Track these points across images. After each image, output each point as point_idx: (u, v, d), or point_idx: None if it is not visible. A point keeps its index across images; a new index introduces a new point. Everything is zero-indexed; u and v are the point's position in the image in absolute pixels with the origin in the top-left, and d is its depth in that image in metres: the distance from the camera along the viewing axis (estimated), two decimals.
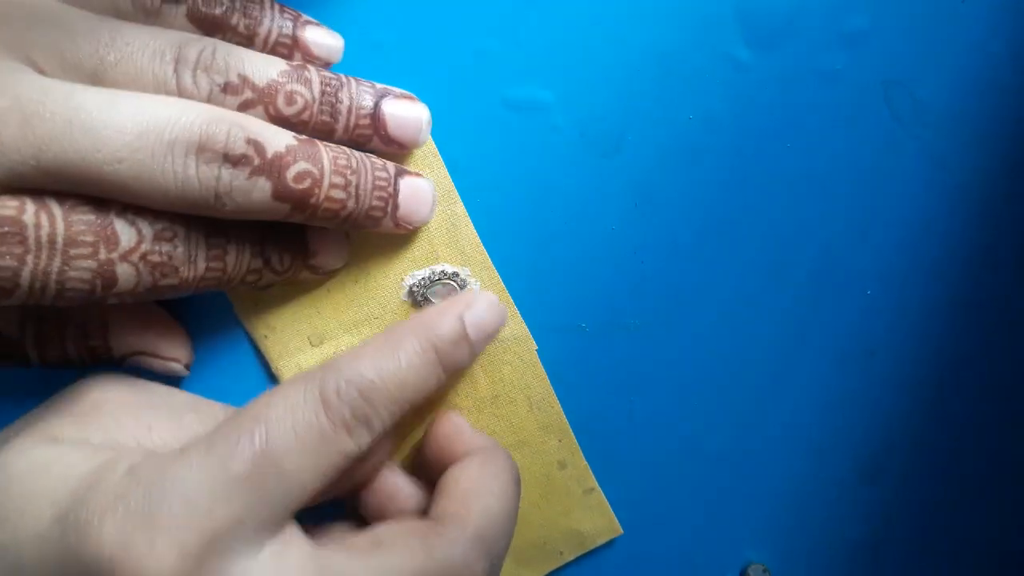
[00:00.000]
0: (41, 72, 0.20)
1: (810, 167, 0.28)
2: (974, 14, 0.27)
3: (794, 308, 0.29)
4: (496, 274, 0.27)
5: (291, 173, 0.22)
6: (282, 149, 0.22)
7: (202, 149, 0.20)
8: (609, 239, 0.27)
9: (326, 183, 0.22)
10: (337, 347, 0.26)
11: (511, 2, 0.26)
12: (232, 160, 0.21)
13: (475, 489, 0.23)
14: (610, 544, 0.29)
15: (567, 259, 0.27)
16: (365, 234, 0.26)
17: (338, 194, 0.23)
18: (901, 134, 0.28)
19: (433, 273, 0.26)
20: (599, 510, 0.28)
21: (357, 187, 0.23)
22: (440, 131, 0.26)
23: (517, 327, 0.27)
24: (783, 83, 0.27)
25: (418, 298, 0.26)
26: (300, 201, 0.22)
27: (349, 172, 0.23)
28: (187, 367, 0.25)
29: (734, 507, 0.29)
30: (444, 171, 0.26)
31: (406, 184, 0.25)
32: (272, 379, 0.27)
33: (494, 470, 0.24)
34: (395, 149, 0.25)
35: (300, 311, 0.26)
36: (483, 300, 0.25)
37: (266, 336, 0.26)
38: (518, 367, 0.27)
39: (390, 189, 0.24)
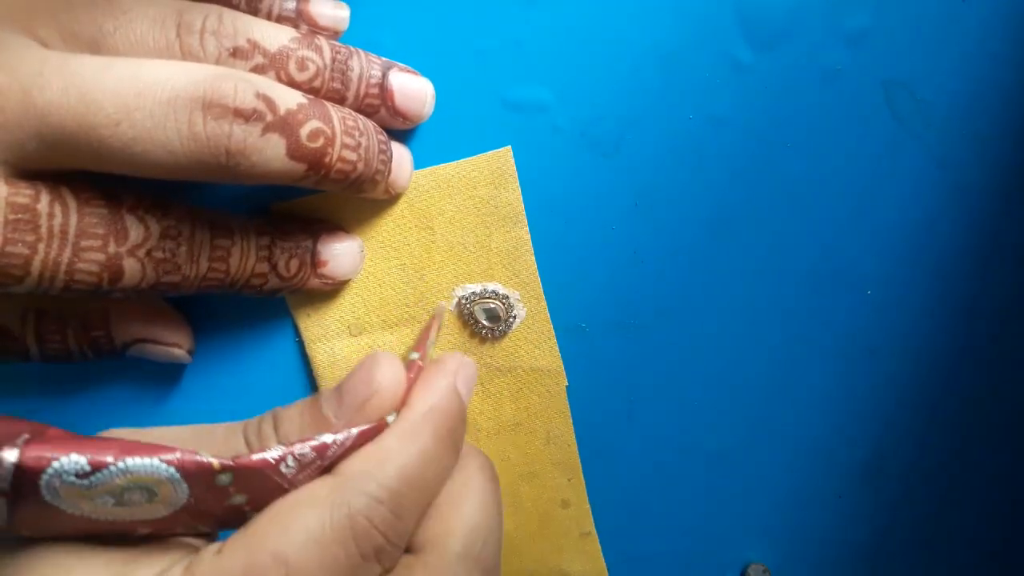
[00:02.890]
0: (43, 44, 0.20)
1: (811, 167, 0.28)
2: (975, 14, 0.27)
3: (795, 308, 0.29)
4: (544, 304, 0.27)
5: (305, 131, 0.21)
6: (294, 106, 0.21)
7: (209, 105, 0.20)
8: (609, 239, 0.27)
9: (339, 143, 0.22)
10: (374, 341, 0.27)
11: (511, 2, 0.26)
12: (243, 115, 0.20)
13: (451, 500, 0.22)
14: (610, 544, 0.29)
15: (567, 259, 0.27)
16: (428, 240, 0.26)
17: (350, 155, 0.22)
18: (902, 134, 0.28)
19: (484, 290, 0.27)
20: (591, 555, 0.28)
21: (367, 149, 0.23)
22: (440, 131, 0.26)
23: (553, 361, 0.27)
24: (784, 83, 0.27)
25: (464, 311, 0.26)
26: (315, 161, 0.22)
27: (357, 133, 0.23)
28: (190, 353, 0.25)
29: (734, 507, 0.29)
30: (518, 193, 0.26)
31: (397, 150, 0.25)
32: (305, 362, 0.27)
33: (468, 473, 0.23)
34: (399, 122, 0.25)
35: (345, 299, 0.26)
36: (468, 363, 0.24)
37: (308, 315, 0.26)
38: (545, 399, 0.27)
39: (389, 153, 0.24)
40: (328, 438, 0.20)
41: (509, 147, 0.26)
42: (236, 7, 0.23)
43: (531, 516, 0.28)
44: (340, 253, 0.25)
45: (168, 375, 0.27)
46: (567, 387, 0.28)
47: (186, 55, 0.21)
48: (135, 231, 0.21)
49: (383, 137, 0.24)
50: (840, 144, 0.28)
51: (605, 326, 0.28)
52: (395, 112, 0.24)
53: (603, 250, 0.28)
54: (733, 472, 0.29)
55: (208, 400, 0.27)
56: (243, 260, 0.23)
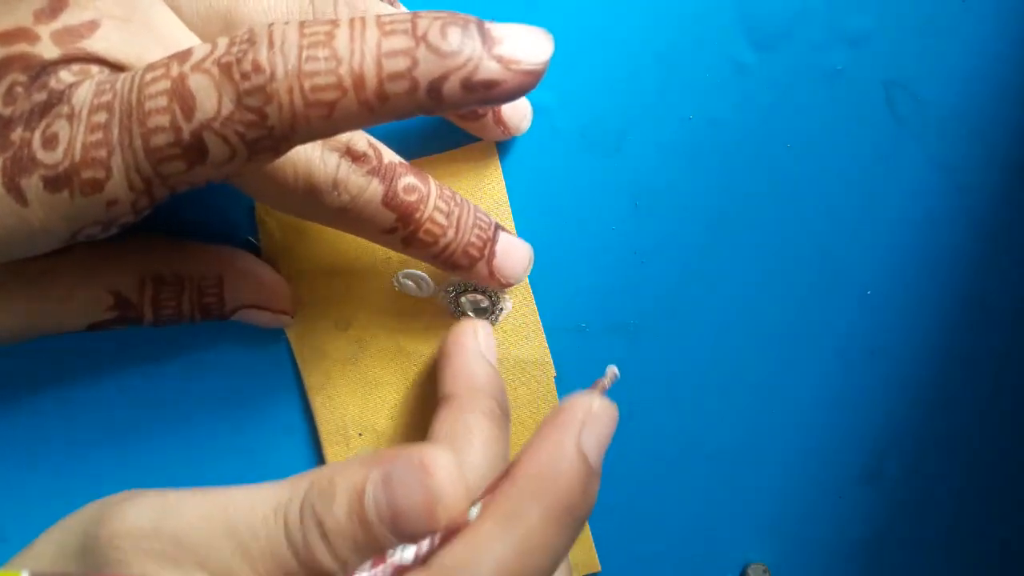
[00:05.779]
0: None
1: (811, 167, 0.28)
2: (976, 14, 0.27)
3: (794, 308, 0.29)
4: (531, 296, 0.27)
5: (401, 183, 0.23)
6: (396, 160, 0.23)
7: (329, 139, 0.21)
8: (609, 239, 0.27)
9: (431, 203, 0.23)
10: (361, 335, 0.27)
11: (511, 3, 0.26)
12: (353, 155, 0.22)
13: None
14: (611, 544, 0.29)
15: (567, 259, 0.27)
16: None
17: (440, 219, 0.23)
18: (902, 134, 0.28)
19: (471, 282, 0.27)
20: (582, 544, 0.28)
21: (459, 219, 0.24)
22: (440, 130, 0.26)
23: (540, 352, 0.27)
24: (784, 83, 0.27)
25: (451, 304, 0.26)
26: (406, 213, 0.23)
27: (453, 203, 0.24)
28: (292, 317, 0.26)
29: (734, 507, 0.29)
30: (502, 184, 0.27)
31: (504, 236, 0.25)
32: (292, 359, 0.27)
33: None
34: (501, 125, 0.26)
35: (332, 293, 0.26)
36: (601, 411, 0.19)
37: (294, 311, 0.26)
38: (534, 390, 0.27)
39: (490, 233, 0.25)
40: (408, 557, 0.18)
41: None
42: None
43: None
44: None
45: (153, 373, 0.27)
46: (565, 387, 0.28)
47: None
48: (201, 50, 0.18)
49: (484, 216, 0.25)
50: (840, 144, 0.28)
51: (605, 326, 0.28)
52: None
53: (603, 250, 0.28)
54: (733, 472, 0.29)
55: (193, 399, 0.27)
56: (356, 42, 0.18)
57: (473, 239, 0.24)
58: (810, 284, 0.28)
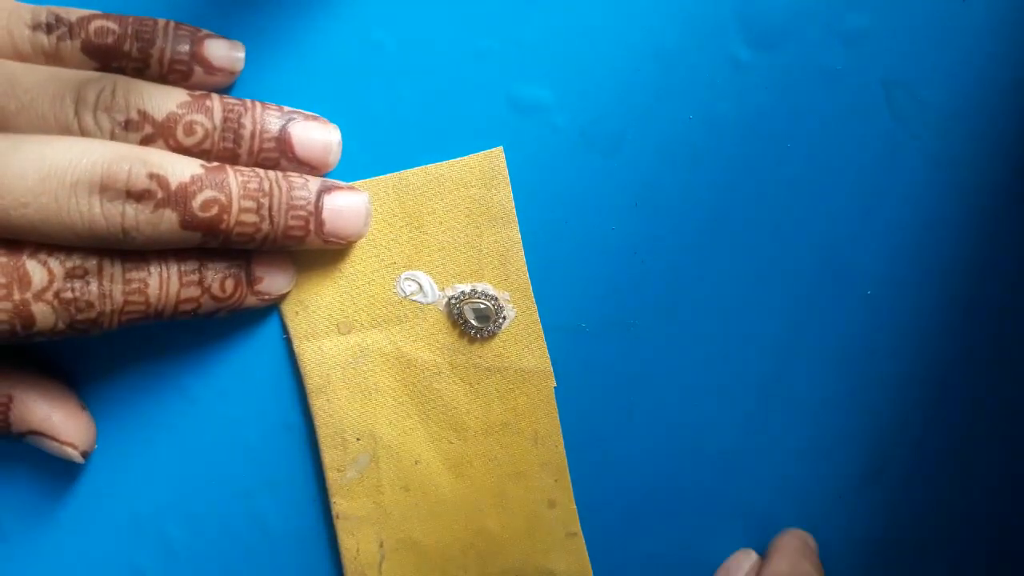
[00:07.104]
0: None
1: (810, 167, 0.28)
2: (975, 14, 0.27)
3: (794, 308, 0.29)
4: (534, 305, 0.27)
5: (197, 202, 0.22)
6: (187, 179, 0.22)
7: (104, 188, 0.21)
8: (609, 239, 0.28)
9: (235, 208, 0.23)
10: (363, 340, 0.27)
11: (511, 2, 0.26)
12: (135, 196, 0.22)
13: None
14: (610, 544, 0.29)
15: (567, 259, 0.27)
16: (418, 239, 0.26)
17: (250, 218, 0.23)
18: (901, 134, 0.28)
19: (474, 290, 0.27)
20: (576, 555, 0.28)
21: (270, 209, 0.23)
22: (440, 130, 0.26)
23: (541, 362, 0.27)
24: (783, 83, 0.27)
25: (454, 311, 0.26)
26: (210, 228, 0.23)
27: (261, 195, 0.23)
28: (84, 455, 0.25)
29: (734, 507, 0.29)
30: (509, 193, 0.27)
31: (331, 201, 0.25)
32: (291, 360, 0.27)
33: None
34: (308, 171, 0.25)
35: (335, 297, 0.26)
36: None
37: (297, 312, 0.26)
38: (534, 399, 0.27)
39: (310, 208, 0.24)
40: None
41: (500, 147, 0.26)
42: (128, 55, 0.24)
43: (517, 516, 0.28)
44: (275, 266, 0.25)
45: (153, 372, 0.27)
46: (565, 387, 0.28)
47: (84, 132, 0.22)
48: (38, 276, 0.21)
49: (304, 193, 0.24)
50: (840, 144, 0.28)
51: (605, 326, 0.28)
52: (297, 161, 0.25)
53: (603, 250, 0.28)
54: (733, 472, 0.29)
55: (192, 398, 0.27)
56: (164, 289, 0.23)
57: (291, 222, 0.24)
58: (810, 284, 0.28)
